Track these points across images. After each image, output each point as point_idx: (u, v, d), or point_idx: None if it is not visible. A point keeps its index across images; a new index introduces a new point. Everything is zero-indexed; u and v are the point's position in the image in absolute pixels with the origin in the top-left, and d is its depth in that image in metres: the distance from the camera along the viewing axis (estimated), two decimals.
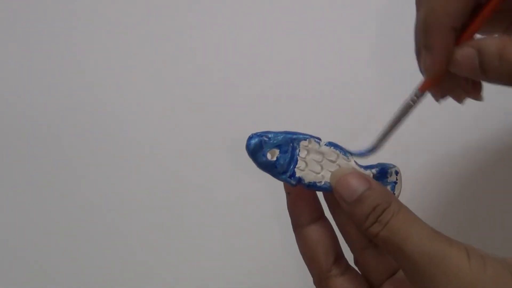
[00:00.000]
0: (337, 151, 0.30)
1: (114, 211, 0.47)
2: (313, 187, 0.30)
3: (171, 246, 0.46)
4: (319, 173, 0.30)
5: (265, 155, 0.29)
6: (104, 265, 0.45)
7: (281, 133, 0.30)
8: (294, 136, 0.30)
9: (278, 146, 0.29)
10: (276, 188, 0.47)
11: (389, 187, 0.32)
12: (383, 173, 0.32)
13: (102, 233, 0.46)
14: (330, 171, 0.30)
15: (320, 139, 0.30)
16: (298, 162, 0.30)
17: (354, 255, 0.33)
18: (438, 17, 0.28)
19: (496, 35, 0.28)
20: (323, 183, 0.30)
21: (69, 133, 0.49)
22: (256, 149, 0.29)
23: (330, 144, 0.31)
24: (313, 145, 0.30)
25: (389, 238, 0.27)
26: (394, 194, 0.32)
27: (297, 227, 0.32)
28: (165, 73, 0.52)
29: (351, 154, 0.31)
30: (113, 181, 0.48)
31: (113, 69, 0.52)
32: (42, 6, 0.54)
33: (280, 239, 0.45)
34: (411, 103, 0.31)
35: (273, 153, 0.29)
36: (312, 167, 0.30)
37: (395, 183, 0.32)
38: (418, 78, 0.32)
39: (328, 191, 0.30)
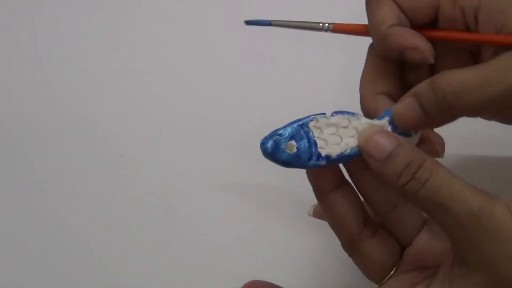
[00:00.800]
0: (346, 116, 0.30)
1: (112, 213, 0.47)
2: (342, 158, 0.29)
3: (169, 248, 0.46)
4: (340, 143, 0.29)
5: (284, 151, 0.29)
6: (105, 268, 0.45)
7: (288, 125, 0.29)
8: (301, 122, 0.29)
9: (292, 137, 0.29)
10: (274, 189, 0.48)
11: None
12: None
13: (101, 238, 0.46)
14: (350, 137, 0.29)
15: (324, 113, 0.30)
16: (318, 143, 0.29)
17: (379, 219, 0.32)
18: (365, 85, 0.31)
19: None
20: (349, 150, 0.29)
21: (67, 136, 0.49)
22: (274, 149, 0.29)
23: (336, 113, 0.30)
24: (322, 121, 0.30)
25: (430, 198, 0.27)
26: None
27: (321, 195, 0.31)
28: (158, 75, 0.52)
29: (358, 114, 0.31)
30: (108, 181, 0.48)
31: (111, 70, 0.52)
32: (32, 10, 0.54)
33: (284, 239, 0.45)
34: (318, 27, 0.34)
35: (291, 146, 0.29)
36: (332, 141, 0.29)
37: None
38: None
39: (358, 156, 0.29)
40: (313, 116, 0.30)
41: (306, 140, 0.29)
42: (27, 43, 0.53)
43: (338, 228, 0.31)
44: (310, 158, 0.29)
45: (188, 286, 0.43)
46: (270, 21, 0.35)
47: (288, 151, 0.29)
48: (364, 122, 0.30)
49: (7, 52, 0.53)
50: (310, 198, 0.32)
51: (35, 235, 0.46)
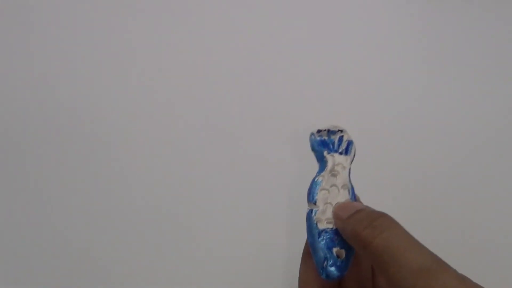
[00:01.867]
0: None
1: (116, 211, 0.47)
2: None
3: (172, 246, 0.46)
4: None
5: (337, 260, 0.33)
6: (108, 265, 0.46)
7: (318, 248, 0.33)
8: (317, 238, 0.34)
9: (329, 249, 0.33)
10: (276, 189, 0.48)
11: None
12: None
13: (114, 233, 0.47)
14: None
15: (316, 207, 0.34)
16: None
17: None
18: None
19: None
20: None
21: (71, 134, 0.50)
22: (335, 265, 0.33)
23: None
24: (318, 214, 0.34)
25: (385, 247, 0.27)
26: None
27: (306, 254, 0.34)
28: (161, 73, 0.52)
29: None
30: (112, 179, 0.48)
31: (114, 68, 0.52)
32: (32, 8, 0.54)
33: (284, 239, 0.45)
34: None
35: (340, 253, 0.33)
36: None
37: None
38: None
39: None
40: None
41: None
42: (27, 41, 0.53)
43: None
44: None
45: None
46: None
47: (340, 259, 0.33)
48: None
49: (8, 50, 0.53)
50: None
51: (35, 233, 0.46)
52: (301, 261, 0.34)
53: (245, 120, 0.49)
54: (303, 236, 0.34)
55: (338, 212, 0.32)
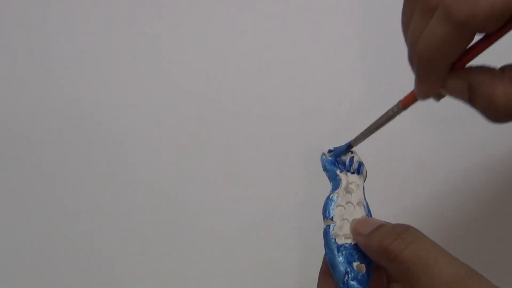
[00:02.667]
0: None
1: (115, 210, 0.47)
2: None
3: (173, 246, 0.46)
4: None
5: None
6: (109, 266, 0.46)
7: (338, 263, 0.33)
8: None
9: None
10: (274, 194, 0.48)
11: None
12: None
13: (111, 234, 0.47)
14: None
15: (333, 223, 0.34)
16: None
17: None
18: (437, 58, 0.27)
19: (489, 70, 0.28)
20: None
21: (72, 134, 0.50)
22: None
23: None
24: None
25: (415, 257, 0.27)
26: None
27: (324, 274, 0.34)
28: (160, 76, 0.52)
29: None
30: (111, 180, 0.48)
31: (117, 71, 0.52)
32: (32, 8, 0.54)
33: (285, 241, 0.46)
34: (391, 114, 0.32)
35: (360, 268, 0.33)
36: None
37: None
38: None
39: None
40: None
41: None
42: (32, 40, 0.54)
43: None
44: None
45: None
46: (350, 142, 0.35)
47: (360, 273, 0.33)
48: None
49: (13, 48, 0.53)
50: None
51: (39, 229, 0.47)
52: (319, 282, 0.35)
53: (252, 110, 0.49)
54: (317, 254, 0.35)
55: (358, 228, 0.32)
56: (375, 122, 0.33)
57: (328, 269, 0.34)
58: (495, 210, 0.49)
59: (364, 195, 0.35)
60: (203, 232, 0.47)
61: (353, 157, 0.36)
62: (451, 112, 0.45)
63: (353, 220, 0.34)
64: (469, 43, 0.27)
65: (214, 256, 0.47)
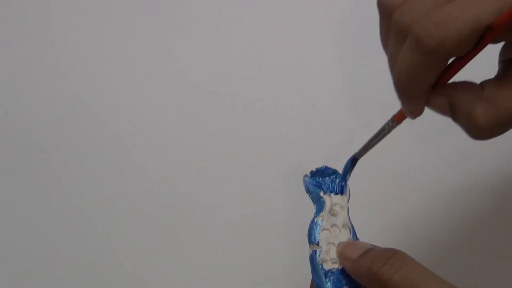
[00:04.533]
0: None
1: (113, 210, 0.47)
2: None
3: (174, 247, 0.46)
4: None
5: None
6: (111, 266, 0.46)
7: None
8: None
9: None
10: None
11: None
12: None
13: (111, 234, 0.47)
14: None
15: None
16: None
17: None
18: (413, 83, 0.27)
19: (469, 88, 0.28)
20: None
21: (72, 135, 0.50)
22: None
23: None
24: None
25: (404, 284, 0.27)
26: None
27: None
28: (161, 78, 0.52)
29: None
30: (110, 181, 0.49)
31: (119, 73, 0.52)
32: (33, 7, 0.54)
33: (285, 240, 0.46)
34: (386, 128, 0.32)
35: None
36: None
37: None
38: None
39: None
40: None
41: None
42: (36, 39, 0.53)
43: None
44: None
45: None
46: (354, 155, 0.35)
47: None
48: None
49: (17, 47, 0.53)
50: None
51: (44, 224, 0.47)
52: None
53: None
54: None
55: (345, 252, 0.32)
56: (372, 138, 0.33)
57: None
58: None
59: (349, 216, 0.35)
60: (206, 230, 0.47)
61: (335, 177, 0.36)
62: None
63: (339, 244, 0.33)
64: (444, 66, 0.27)
65: (215, 255, 0.47)
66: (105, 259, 0.46)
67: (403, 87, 0.27)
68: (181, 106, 0.50)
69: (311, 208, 0.35)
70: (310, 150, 0.49)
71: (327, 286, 0.32)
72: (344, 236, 0.34)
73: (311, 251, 0.33)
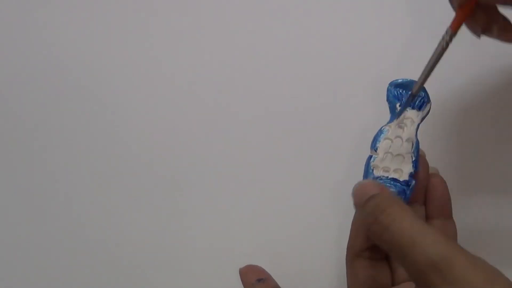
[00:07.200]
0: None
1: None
2: None
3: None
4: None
5: None
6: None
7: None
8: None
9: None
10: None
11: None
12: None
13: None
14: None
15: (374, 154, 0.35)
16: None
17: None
18: None
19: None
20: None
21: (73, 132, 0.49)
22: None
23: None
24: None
25: (392, 242, 0.27)
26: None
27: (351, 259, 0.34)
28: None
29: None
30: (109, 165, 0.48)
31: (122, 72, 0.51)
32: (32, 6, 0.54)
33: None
34: (444, 44, 0.32)
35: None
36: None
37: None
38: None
39: None
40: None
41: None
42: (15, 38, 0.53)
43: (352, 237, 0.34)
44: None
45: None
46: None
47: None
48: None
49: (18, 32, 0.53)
50: None
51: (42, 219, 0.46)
52: (347, 266, 0.34)
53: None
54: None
55: (355, 195, 0.32)
56: (430, 60, 0.33)
57: (354, 255, 0.33)
58: None
59: (416, 133, 0.35)
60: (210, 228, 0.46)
61: (421, 94, 0.36)
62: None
63: (357, 183, 0.33)
64: None
65: (217, 253, 0.46)
66: (103, 251, 0.46)
67: None
68: (186, 96, 0.50)
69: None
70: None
71: None
72: (406, 149, 0.35)
73: (369, 156, 0.35)
